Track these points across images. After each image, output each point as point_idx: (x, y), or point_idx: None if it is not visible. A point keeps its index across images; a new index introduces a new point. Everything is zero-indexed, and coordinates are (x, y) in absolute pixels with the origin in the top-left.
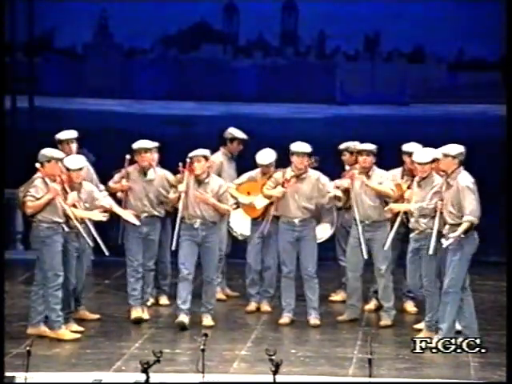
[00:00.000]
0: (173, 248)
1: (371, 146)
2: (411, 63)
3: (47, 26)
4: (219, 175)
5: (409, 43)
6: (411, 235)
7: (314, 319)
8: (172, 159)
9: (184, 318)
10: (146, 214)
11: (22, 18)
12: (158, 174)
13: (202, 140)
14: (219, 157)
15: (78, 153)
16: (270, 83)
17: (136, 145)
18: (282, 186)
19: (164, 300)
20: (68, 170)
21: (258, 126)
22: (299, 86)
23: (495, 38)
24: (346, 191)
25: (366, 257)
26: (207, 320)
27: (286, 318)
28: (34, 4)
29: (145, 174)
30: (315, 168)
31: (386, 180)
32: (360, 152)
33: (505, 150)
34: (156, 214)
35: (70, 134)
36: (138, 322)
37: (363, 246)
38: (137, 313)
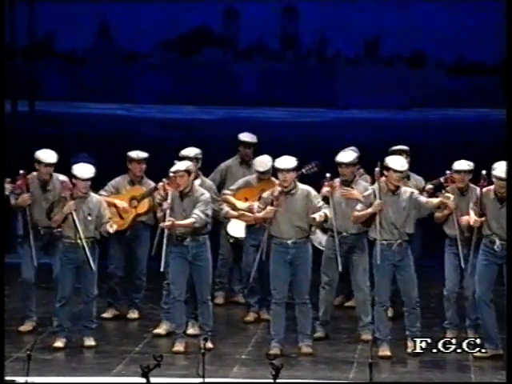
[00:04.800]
0: (161, 269)
1: (350, 158)
2: (411, 67)
3: (47, 30)
4: (224, 179)
5: (409, 47)
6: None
7: (306, 347)
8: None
9: (180, 347)
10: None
11: (23, 21)
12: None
13: (202, 144)
14: (228, 162)
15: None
16: (270, 87)
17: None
18: (271, 204)
19: (133, 314)
20: (75, 177)
21: (258, 130)
22: (299, 89)
23: (495, 41)
24: (325, 199)
25: (340, 269)
26: (207, 343)
27: (275, 349)
28: (35, 8)
29: None
30: (316, 173)
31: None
32: (339, 164)
33: (505, 155)
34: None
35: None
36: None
37: (339, 259)
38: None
